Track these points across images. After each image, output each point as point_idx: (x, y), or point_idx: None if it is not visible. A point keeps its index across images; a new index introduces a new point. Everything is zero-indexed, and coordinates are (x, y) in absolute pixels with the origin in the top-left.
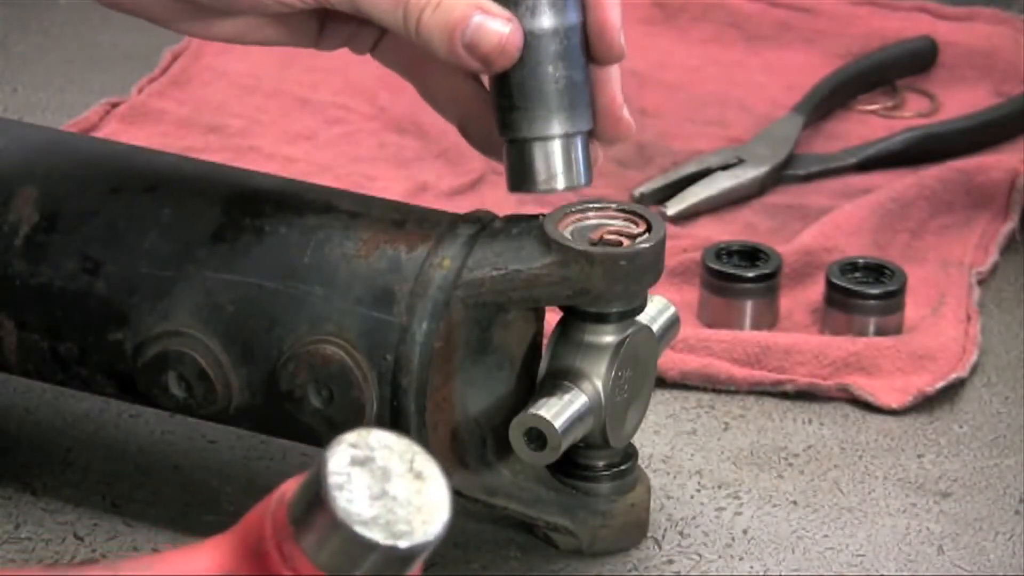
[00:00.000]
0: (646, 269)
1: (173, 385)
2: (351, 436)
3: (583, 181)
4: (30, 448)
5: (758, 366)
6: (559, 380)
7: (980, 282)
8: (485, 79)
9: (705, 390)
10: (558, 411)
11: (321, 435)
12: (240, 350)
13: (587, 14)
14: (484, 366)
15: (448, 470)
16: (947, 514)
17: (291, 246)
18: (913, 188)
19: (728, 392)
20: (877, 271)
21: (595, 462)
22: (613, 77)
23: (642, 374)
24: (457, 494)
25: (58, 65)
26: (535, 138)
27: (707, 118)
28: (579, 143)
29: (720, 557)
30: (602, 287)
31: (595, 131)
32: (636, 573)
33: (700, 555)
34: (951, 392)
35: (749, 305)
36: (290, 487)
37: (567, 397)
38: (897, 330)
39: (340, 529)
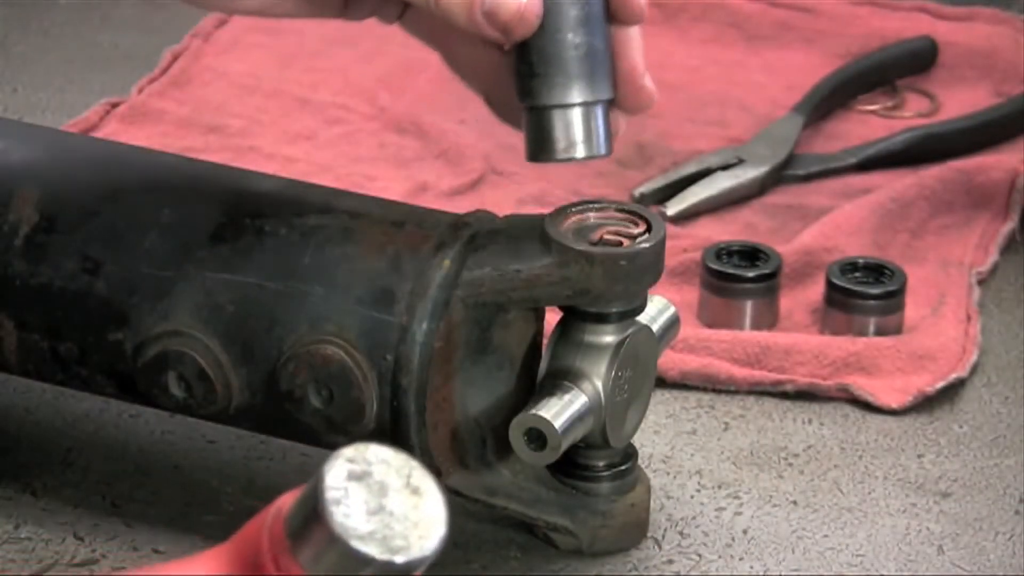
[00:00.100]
0: (646, 269)
1: (173, 385)
2: (348, 451)
3: (603, 151)
4: (30, 448)
5: (758, 366)
6: (559, 380)
7: (980, 282)
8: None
9: (705, 390)
10: (558, 411)
11: (321, 435)
12: (240, 350)
13: None
14: (484, 366)
15: (448, 470)
16: (947, 514)
17: (291, 246)
18: (913, 188)
19: (728, 392)
20: (877, 271)
21: (595, 462)
22: (635, 42)
23: (642, 374)
24: (457, 494)
25: (58, 65)
26: (555, 105)
27: (707, 118)
28: (599, 112)
29: (720, 557)
30: (602, 287)
31: (616, 100)
32: (636, 573)
33: (700, 555)
34: (951, 392)
35: (749, 305)
36: (287, 501)
37: (567, 397)
38: (897, 330)
39: (337, 543)
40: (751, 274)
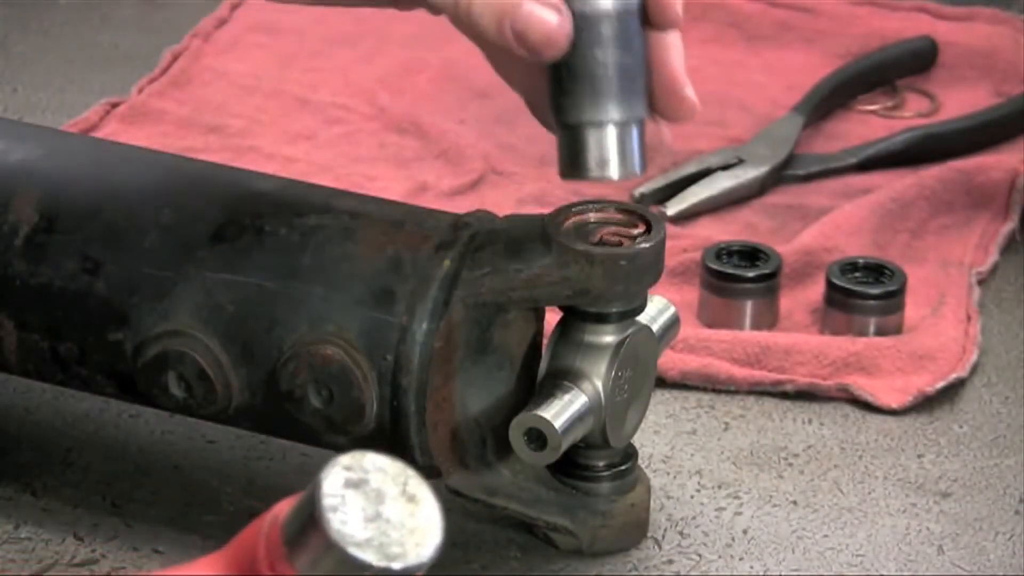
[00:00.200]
0: (646, 269)
1: (173, 385)
2: (345, 459)
3: (637, 170)
4: (30, 448)
5: (758, 366)
6: (559, 380)
7: (980, 282)
8: None
9: (705, 390)
10: (558, 411)
11: (321, 435)
12: (240, 350)
13: None
14: (484, 366)
15: (448, 470)
16: (947, 514)
17: (291, 246)
18: (913, 188)
19: (728, 392)
20: (877, 271)
21: (595, 462)
22: (674, 49)
23: (642, 374)
24: (457, 494)
25: (58, 65)
26: (588, 123)
27: (707, 118)
28: (634, 131)
29: (720, 557)
30: (602, 287)
31: (657, 109)
32: (636, 573)
33: (700, 555)
34: (951, 392)
35: (749, 305)
36: (283, 508)
37: (567, 397)
38: (897, 330)
39: (334, 551)
40: (751, 274)
